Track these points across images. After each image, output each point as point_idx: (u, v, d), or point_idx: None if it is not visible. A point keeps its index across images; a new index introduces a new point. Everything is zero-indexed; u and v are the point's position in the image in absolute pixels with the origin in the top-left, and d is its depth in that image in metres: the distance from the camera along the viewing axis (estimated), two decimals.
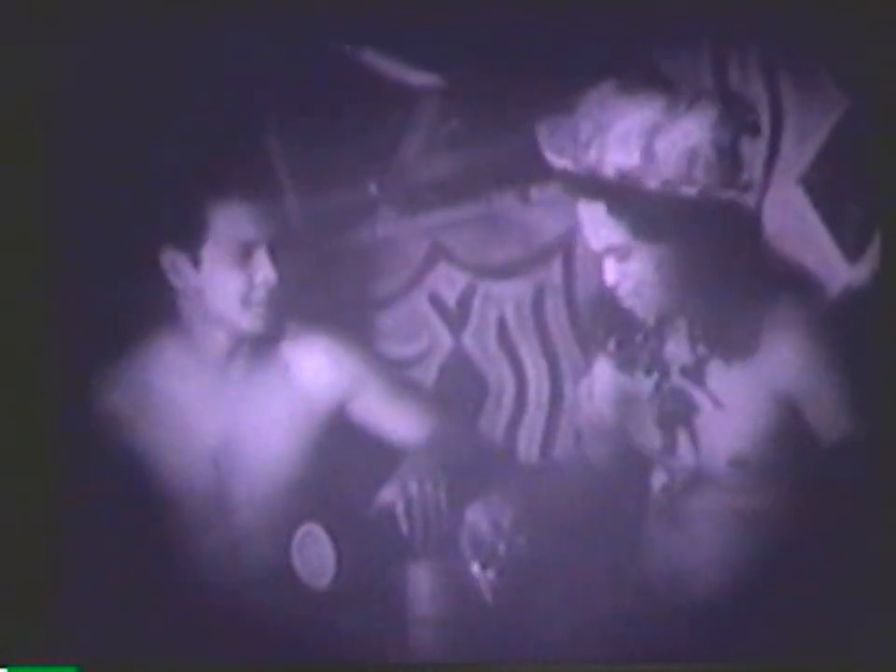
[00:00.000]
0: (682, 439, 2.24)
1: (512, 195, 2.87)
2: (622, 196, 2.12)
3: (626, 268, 2.17)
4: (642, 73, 2.23)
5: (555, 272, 2.85)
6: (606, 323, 2.33)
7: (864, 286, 2.37)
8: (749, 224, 2.22)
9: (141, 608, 2.44)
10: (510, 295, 2.91)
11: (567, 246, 2.82)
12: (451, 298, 2.99)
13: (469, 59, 2.70)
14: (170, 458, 2.52)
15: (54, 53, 2.42)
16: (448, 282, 2.98)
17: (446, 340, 2.99)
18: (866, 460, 2.07)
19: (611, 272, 2.18)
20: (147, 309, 2.55)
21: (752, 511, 2.20)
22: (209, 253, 2.46)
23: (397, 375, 2.67)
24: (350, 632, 2.43)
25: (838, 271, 2.43)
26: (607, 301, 2.26)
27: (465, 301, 2.97)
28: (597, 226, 2.17)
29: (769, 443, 2.16)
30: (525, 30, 2.56)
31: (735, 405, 2.19)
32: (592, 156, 2.13)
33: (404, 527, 2.24)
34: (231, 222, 2.45)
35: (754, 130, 2.15)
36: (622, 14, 2.44)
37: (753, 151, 2.16)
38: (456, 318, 2.98)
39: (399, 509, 2.24)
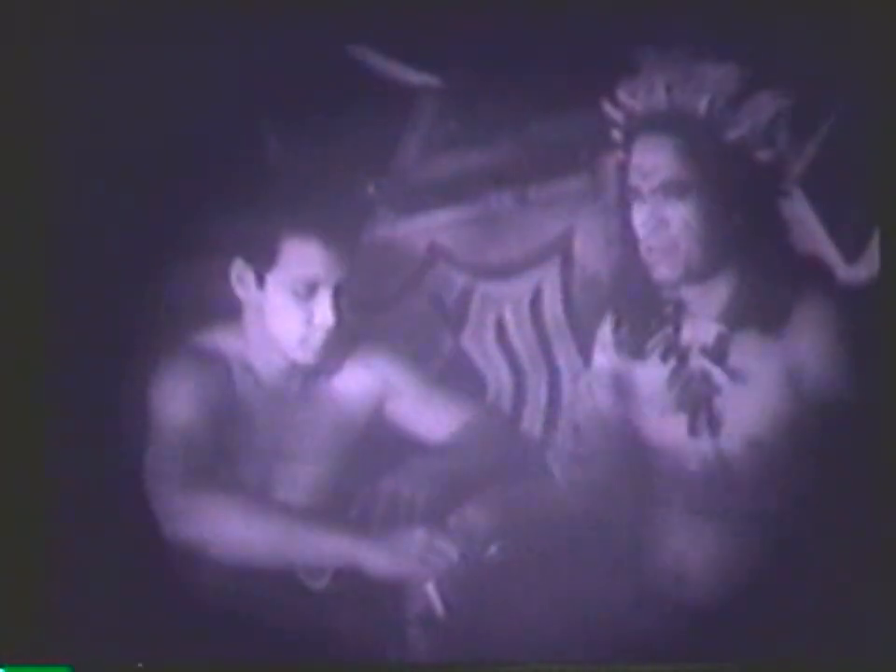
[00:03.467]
0: (703, 422, 2.24)
1: (510, 196, 2.87)
2: (695, 137, 2.14)
3: (667, 214, 2.18)
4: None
5: (553, 272, 2.85)
6: (620, 305, 2.34)
7: (863, 285, 2.37)
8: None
9: (135, 608, 2.43)
10: (508, 295, 2.91)
11: (565, 246, 2.82)
12: (449, 298, 2.98)
13: (468, 59, 2.70)
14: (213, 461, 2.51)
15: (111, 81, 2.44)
16: (446, 282, 2.97)
17: (445, 340, 2.99)
18: (873, 458, 2.07)
19: (651, 217, 2.19)
20: (214, 314, 2.57)
21: (756, 507, 2.20)
22: (275, 278, 2.47)
23: (425, 372, 2.69)
24: (349, 632, 2.43)
25: (837, 269, 2.43)
26: (624, 274, 2.28)
27: (463, 302, 2.96)
28: (651, 163, 2.18)
29: (786, 427, 2.17)
30: (525, 30, 2.56)
31: (754, 384, 2.19)
32: (677, 93, 2.16)
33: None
34: (299, 259, 2.47)
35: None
36: (618, 14, 2.44)
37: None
38: (455, 319, 2.98)
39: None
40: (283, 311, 2.49)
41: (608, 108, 2.27)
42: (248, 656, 2.34)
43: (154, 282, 2.60)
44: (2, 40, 2.38)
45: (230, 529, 2.37)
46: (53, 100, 2.46)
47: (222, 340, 2.57)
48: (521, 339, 2.91)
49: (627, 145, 2.27)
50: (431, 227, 2.97)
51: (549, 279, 2.85)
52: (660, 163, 2.21)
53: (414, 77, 2.83)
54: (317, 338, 2.49)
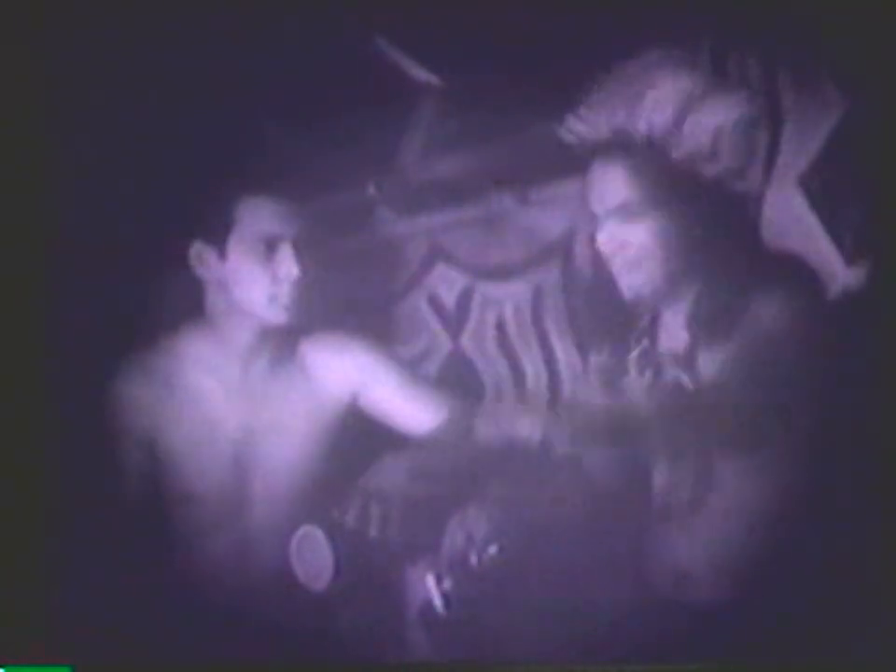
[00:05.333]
0: (680, 432, 2.25)
1: (511, 196, 2.87)
2: (643, 159, 2.16)
3: (627, 233, 2.19)
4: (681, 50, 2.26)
5: (554, 273, 2.85)
6: (600, 325, 2.36)
7: (862, 287, 2.37)
8: (755, 216, 2.25)
9: (136, 607, 2.43)
10: (508, 296, 2.91)
11: (565, 247, 2.82)
12: (449, 299, 2.98)
13: (468, 59, 2.70)
14: (188, 454, 2.52)
15: (77, 48, 2.44)
16: (447, 283, 2.98)
17: (444, 341, 2.99)
18: (863, 456, 2.07)
19: (611, 239, 2.21)
20: (174, 301, 2.57)
21: (752, 506, 2.20)
22: (235, 246, 2.48)
23: (405, 366, 2.68)
24: (348, 632, 2.43)
25: (836, 271, 2.43)
26: (602, 293, 2.29)
27: (463, 303, 2.97)
28: (608, 185, 2.20)
29: (768, 430, 2.17)
30: (525, 30, 2.57)
31: (731, 391, 2.20)
32: (621, 117, 2.17)
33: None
34: (255, 218, 2.48)
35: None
36: (617, 14, 2.44)
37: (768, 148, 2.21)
38: (455, 320, 2.98)
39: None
40: (247, 274, 2.49)
41: (563, 133, 2.29)
42: (248, 656, 2.34)
43: (114, 281, 2.62)
44: (6, 32, 2.38)
45: None
46: (72, 94, 2.47)
47: (183, 336, 2.57)
48: (521, 340, 2.91)
49: (585, 169, 2.29)
50: (432, 227, 2.98)
51: (549, 280, 2.86)
52: (612, 189, 2.23)
53: (418, 74, 2.83)
54: (285, 293, 2.49)
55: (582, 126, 2.22)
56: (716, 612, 2.17)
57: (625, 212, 2.20)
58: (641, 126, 2.17)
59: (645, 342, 2.31)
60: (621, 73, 2.22)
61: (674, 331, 2.27)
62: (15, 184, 2.41)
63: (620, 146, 2.20)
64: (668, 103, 2.16)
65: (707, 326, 2.22)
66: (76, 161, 2.52)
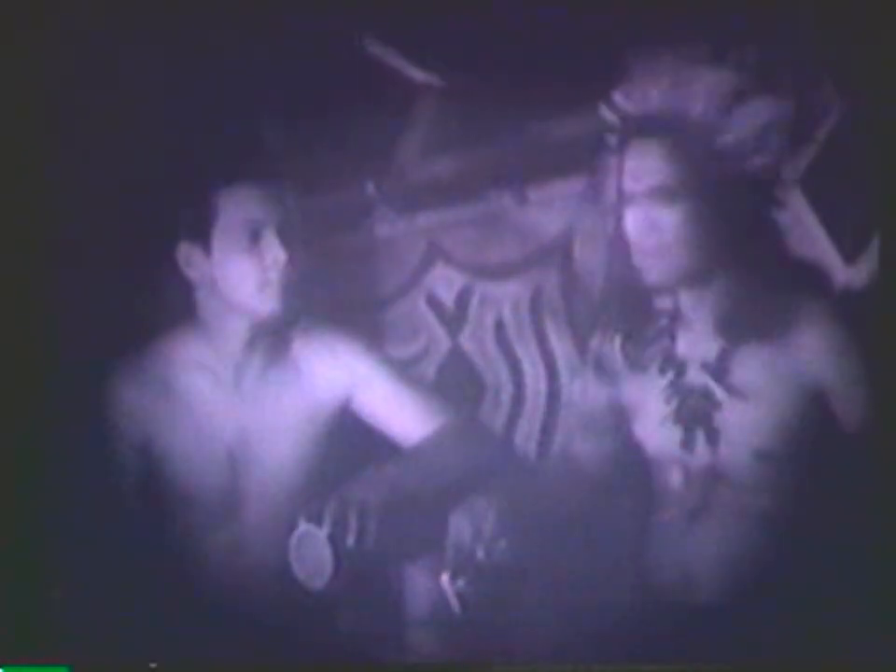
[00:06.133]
0: (701, 436, 2.24)
1: (510, 196, 2.87)
2: (688, 141, 2.15)
3: (659, 217, 2.17)
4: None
5: (553, 272, 2.85)
6: (614, 315, 2.33)
7: (862, 286, 2.38)
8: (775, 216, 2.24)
9: (134, 608, 2.43)
10: (507, 295, 2.91)
11: (564, 247, 2.82)
12: (448, 298, 2.98)
13: (468, 59, 2.70)
14: (183, 455, 2.52)
15: (54, 46, 2.43)
16: (446, 282, 2.98)
17: (444, 340, 2.99)
18: (883, 458, 2.07)
19: (641, 221, 2.18)
20: (165, 305, 2.56)
21: (766, 510, 2.19)
22: (219, 240, 2.47)
23: (399, 371, 2.66)
24: (347, 632, 2.43)
25: (836, 271, 2.43)
26: (619, 281, 2.27)
27: (462, 302, 2.97)
28: (644, 166, 2.18)
29: (793, 436, 2.16)
30: (525, 31, 2.57)
31: (759, 397, 2.19)
32: (660, 101, 2.16)
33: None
34: (237, 206, 2.46)
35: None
36: (616, 15, 2.44)
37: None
38: (454, 319, 2.98)
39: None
40: (235, 266, 2.46)
41: (604, 111, 2.27)
42: (245, 657, 2.34)
43: (106, 285, 2.62)
44: (4, 27, 2.37)
45: None
46: (54, 94, 2.47)
47: (176, 338, 2.57)
48: (520, 339, 2.91)
49: (621, 148, 2.26)
50: (431, 226, 2.98)
51: (548, 279, 2.86)
52: (652, 167, 2.20)
53: (417, 75, 2.83)
54: (275, 280, 2.47)
55: (627, 103, 2.21)
56: (717, 613, 2.17)
57: (661, 193, 2.18)
58: (692, 108, 2.17)
59: (666, 340, 2.30)
60: (663, 57, 2.22)
61: (701, 334, 2.26)
62: (2, 193, 2.42)
63: (666, 125, 2.19)
64: (721, 89, 2.16)
65: (733, 329, 2.20)
66: (63, 170, 2.51)
